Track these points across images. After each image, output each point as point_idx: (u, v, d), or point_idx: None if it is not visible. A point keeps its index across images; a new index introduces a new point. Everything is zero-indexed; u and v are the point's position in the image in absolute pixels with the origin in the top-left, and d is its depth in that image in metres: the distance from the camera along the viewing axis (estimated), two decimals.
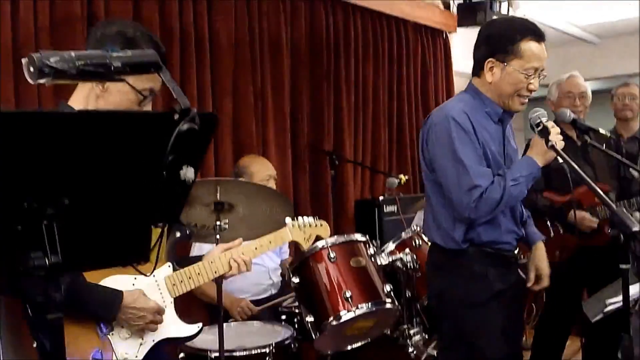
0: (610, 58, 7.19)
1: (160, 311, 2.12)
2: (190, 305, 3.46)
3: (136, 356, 2.09)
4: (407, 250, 3.33)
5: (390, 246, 3.40)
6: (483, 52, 2.48)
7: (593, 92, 3.87)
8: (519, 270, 2.66)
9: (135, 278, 2.11)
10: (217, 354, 2.66)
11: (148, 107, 1.95)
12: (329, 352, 3.16)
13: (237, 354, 2.78)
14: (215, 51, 4.09)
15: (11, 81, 3.17)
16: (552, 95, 3.87)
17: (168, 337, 2.17)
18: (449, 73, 6.07)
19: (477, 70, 2.52)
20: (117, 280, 2.07)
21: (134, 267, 1.45)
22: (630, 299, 2.06)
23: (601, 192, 2.08)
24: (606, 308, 2.39)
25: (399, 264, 3.28)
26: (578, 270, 3.63)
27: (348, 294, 2.89)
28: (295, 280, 2.99)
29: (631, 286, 2.00)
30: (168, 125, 1.22)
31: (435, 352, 3.25)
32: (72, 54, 1.17)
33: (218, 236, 2.72)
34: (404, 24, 5.53)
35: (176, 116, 1.22)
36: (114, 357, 2.04)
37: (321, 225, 2.80)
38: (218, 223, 2.73)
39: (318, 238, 2.84)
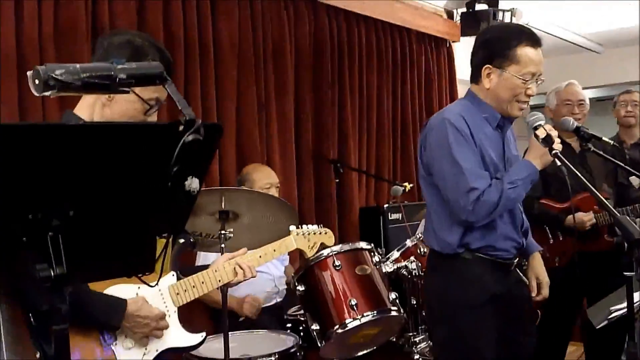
0: (612, 66, 7.17)
1: (163, 317, 2.13)
2: (194, 314, 3.47)
3: None
4: (412, 257, 3.33)
5: (395, 254, 3.39)
6: (480, 59, 2.49)
7: (595, 99, 3.87)
8: (520, 274, 2.66)
9: (139, 287, 2.12)
10: None
11: (154, 117, 1.96)
12: None
13: None
14: (219, 58, 4.09)
15: (15, 87, 3.13)
16: (550, 103, 3.87)
17: (172, 347, 2.17)
18: (453, 82, 6.09)
19: (475, 76, 2.53)
20: (120, 289, 2.07)
21: (138, 278, 1.46)
22: (635, 305, 2.06)
23: (604, 200, 2.09)
24: (610, 315, 2.38)
25: (403, 271, 3.28)
26: (577, 276, 3.62)
27: (353, 302, 2.89)
28: (301, 288, 3.00)
29: (635, 293, 2.00)
30: (173, 137, 1.22)
31: None
32: (77, 66, 1.18)
33: (223, 245, 2.72)
34: (408, 32, 5.54)
35: (181, 127, 1.22)
36: None
37: (325, 233, 2.81)
38: (223, 232, 2.74)
39: (323, 246, 2.85)
